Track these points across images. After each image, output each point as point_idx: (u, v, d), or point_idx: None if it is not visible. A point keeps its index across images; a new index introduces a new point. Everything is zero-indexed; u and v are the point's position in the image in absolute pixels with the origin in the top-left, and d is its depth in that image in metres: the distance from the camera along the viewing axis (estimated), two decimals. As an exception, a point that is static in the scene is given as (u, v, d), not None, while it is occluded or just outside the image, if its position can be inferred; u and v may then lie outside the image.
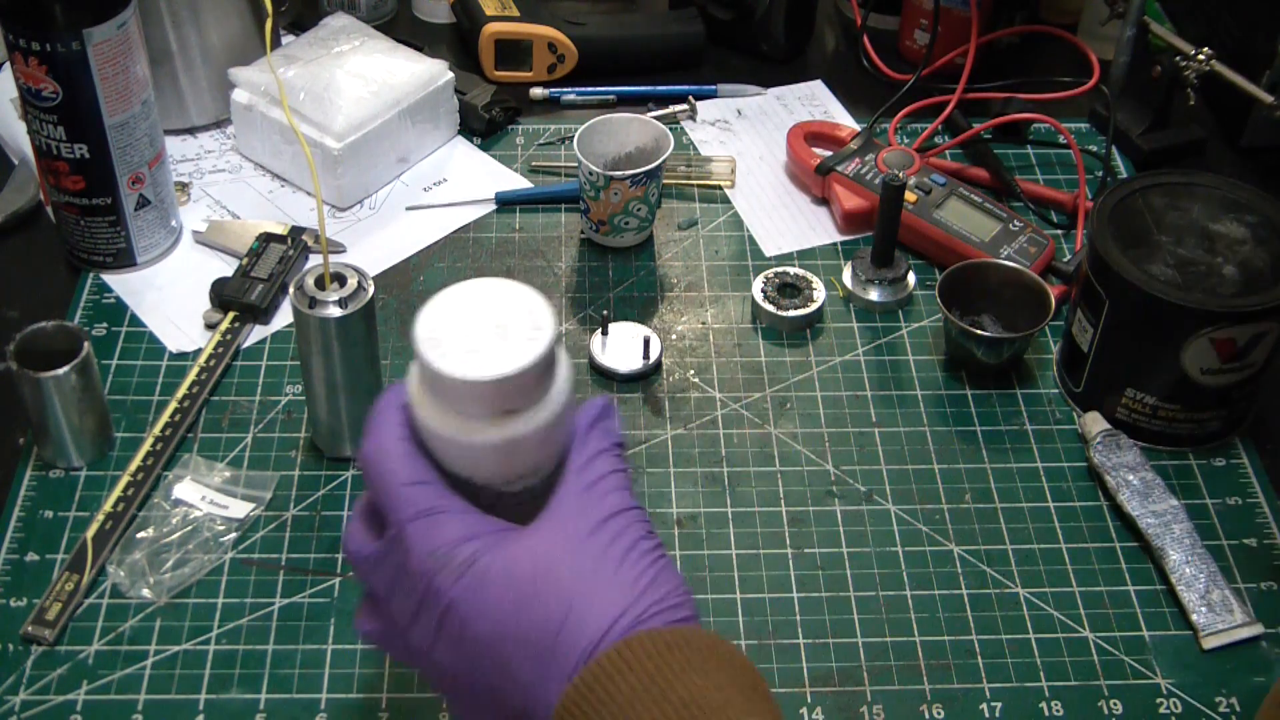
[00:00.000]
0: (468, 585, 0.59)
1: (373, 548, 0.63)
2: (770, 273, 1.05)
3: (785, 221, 1.13)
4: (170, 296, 1.05)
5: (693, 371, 1.00)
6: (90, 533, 0.87)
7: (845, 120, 1.23)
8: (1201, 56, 1.11)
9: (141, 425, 0.95)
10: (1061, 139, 1.19)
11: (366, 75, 1.12)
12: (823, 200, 1.14)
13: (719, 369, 1.01)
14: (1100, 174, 1.16)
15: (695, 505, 0.92)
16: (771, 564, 0.88)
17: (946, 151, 1.18)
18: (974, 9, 1.20)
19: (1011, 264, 1.03)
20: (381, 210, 1.13)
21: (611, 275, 1.08)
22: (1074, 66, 1.23)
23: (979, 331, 0.98)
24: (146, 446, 0.92)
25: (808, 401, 0.98)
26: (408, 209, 1.13)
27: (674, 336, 1.03)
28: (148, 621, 0.84)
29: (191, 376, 0.97)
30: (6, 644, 0.83)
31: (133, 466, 0.91)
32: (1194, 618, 0.85)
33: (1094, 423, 0.94)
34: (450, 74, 1.16)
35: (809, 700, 0.81)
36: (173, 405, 0.95)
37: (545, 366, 0.60)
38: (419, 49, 1.19)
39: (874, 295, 1.05)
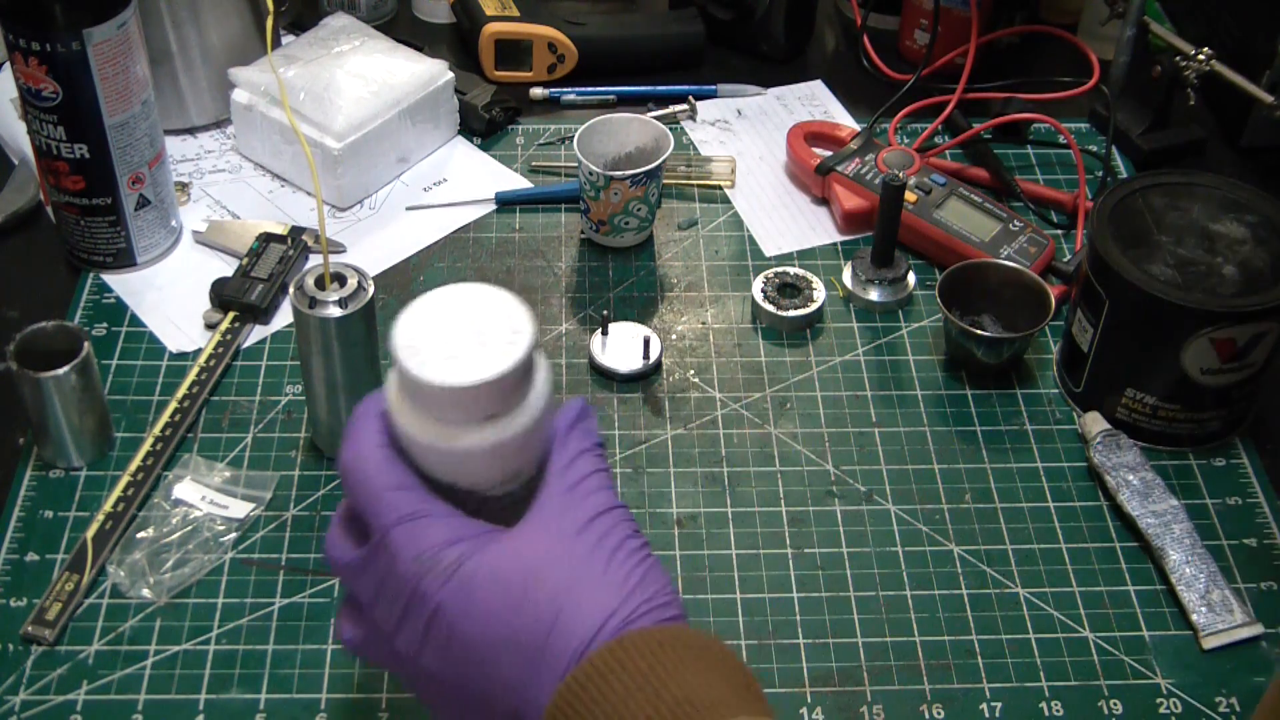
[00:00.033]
0: (455, 588, 0.59)
1: (355, 554, 0.62)
2: (770, 273, 1.05)
3: (785, 221, 1.13)
4: (170, 296, 1.05)
5: (693, 371, 1.00)
6: (90, 533, 0.87)
7: (845, 120, 1.23)
8: (1201, 56, 1.11)
9: (141, 425, 0.95)
10: (1061, 139, 1.19)
11: (366, 75, 1.12)
12: (823, 200, 1.14)
13: (719, 369, 1.01)
14: (1100, 174, 1.16)
15: (695, 505, 0.92)
16: (771, 564, 0.88)
17: (946, 151, 1.18)
18: (974, 9, 1.20)
19: (1011, 264, 1.03)
20: (381, 210, 1.13)
21: (611, 275, 1.08)
22: (1074, 66, 1.23)
23: (979, 331, 0.98)
24: (146, 446, 0.92)
25: (808, 401, 0.98)
26: (408, 209, 1.13)
27: (674, 336, 1.03)
28: (148, 621, 0.84)
29: (191, 376, 0.97)
30: (6, 644, 0.83)
31: (133, 466, 0.91)
32: (1194, 618, 0.85)
33: (1094, 423, 0.94)
34: (450, 74, 1.16)
35: (809, 700, 0.81)
36: (173, 405, 0.95)
37: (524, 371, 0.60)
38: (419, 49, 1.19)
39: (874, 295, 1.05)
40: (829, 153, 1.15)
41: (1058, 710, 0.81)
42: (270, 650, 0.83)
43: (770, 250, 1.10)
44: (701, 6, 1.29)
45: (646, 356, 0.99)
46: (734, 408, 0.98)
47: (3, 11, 0.94)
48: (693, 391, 0.99)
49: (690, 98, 1.24)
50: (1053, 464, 0.95)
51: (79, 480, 0.91)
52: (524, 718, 0.58)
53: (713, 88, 1.25)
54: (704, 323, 1.04)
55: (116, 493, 0.89)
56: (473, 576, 0.59)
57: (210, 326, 1.01)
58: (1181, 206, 0.95)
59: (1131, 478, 0.91)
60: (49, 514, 0.89)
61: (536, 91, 1.25)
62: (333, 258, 1.06)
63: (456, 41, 1.31)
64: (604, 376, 1.00)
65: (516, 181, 1.16)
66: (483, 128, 1.19)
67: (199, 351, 1.00)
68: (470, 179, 1.16)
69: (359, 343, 0.88)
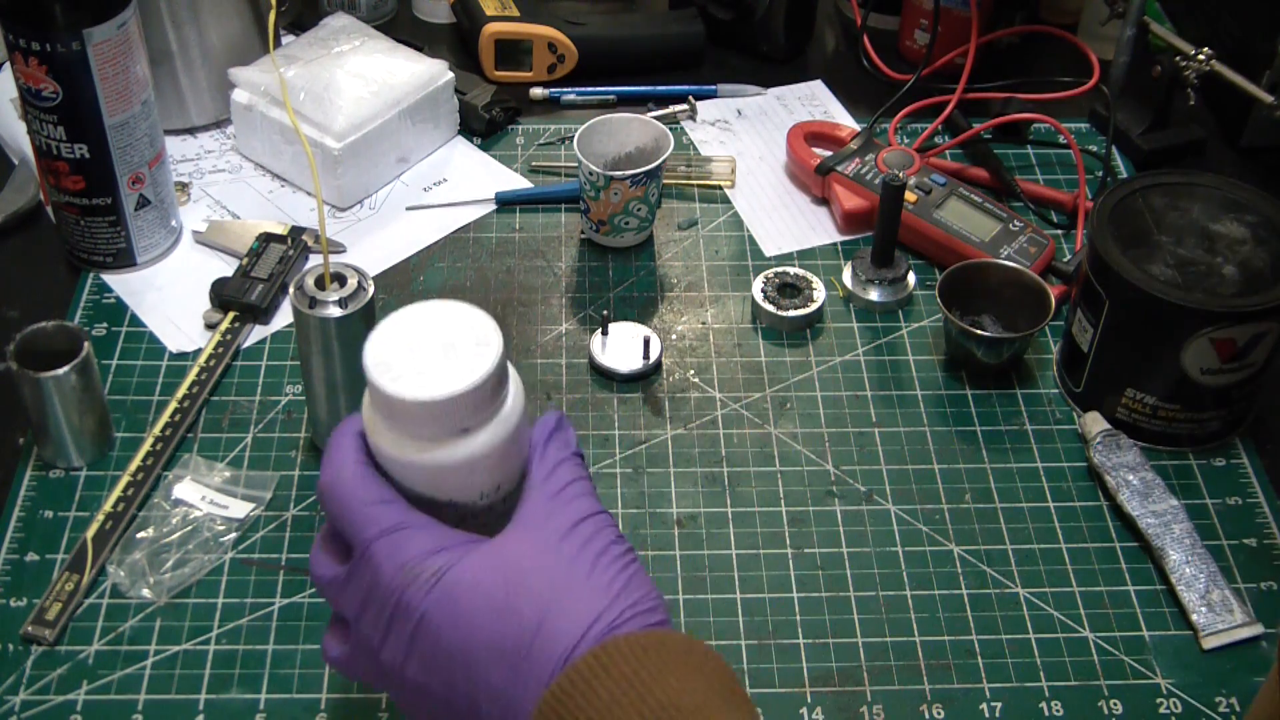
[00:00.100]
0: (439, 596, 0.59)
1: (338, 570, 0.63)
2: (770, 273, 1.05)
3: (785, 221, 1.13)
4: (170, 296, 1.05)
5: (693, 371, 1.00)
6: (90, 533, 0.87)
7: (845, 120, 1.23)
8: (1201, 56, 1.11)
9: (141, 425, 0.95)
10: (1061, 139, 1.19)
11: (366, 75, 1.12)
12: (823, 200, 1.14)
13: (719, 369, 1.01)
14: (1100, 174, 1.16)
15: (695, 505, 0.92)
16: (771, 564, 0.88)
17: (946, 151, 1.18)
18: (974, 9, 1.20)
19: (1011, 264, 1.03)
20: (381, 210, 1.13)
21: (611, 275, 1.08)
22: (1074, 66, 1.23)
23: (979, 331, 0.98)
24: (146, 446, 0.92)
25: (808, 401, 0.98)
26: (408, 209, 1.13)
27: (674, 336, 1.03)
28: (148, 621, 0.84)
29: (191, 376, 0.97)
30: (6, 644, 0.83)
31: (133, 466, 0.91)
32: (1194, 618, 0.85)
33: (1094, 423, 0.94)
34: (450, 74, 1.16)
35: (809, 700, 0.81)
36: (173, 405, 0.95)
37: (495, 383, 0.61)
38: (419, 49, 1.19)
39: (874, 295, 1.05)
40: (829, 153, 1.15)
41: (1058, 710, 0.81)
42: (270, 650, 0.83)
43: (770, 250, 1.10)
44: (701, 6, 1.29)
45: (646, 356, 0.99)
46: (734, 408, 0.98)
47: (3, 11, 0.94)
48: (693, 391, 0.99)
49: (690, 98, 1.24)
50: (1053, 464, 0.95)
51: (79, 480, 0.91)
52: None
53: (713, 88, 1.25)
54: (704, 323, 1.04)
55: (116, 493, 0.89)
56: (456, 584, 0.59)
57: (210, 326, 1.01)
58: (1181, 206, 0.95)
59: (1131, 478, 0.91)
60: (49, 514, 0.89)
61: (536, 91, 1.25)
62: (333, 258, 1.06)
63: (456, 41, 1.31)
64: (604, 376, 1.00)
65: (516, 181, 1.15)
66: (483, 128, 1.19)
67: (199, 351, 1.00)
68: (470, 179, 1.16)
69: (359, 343, 0.87)
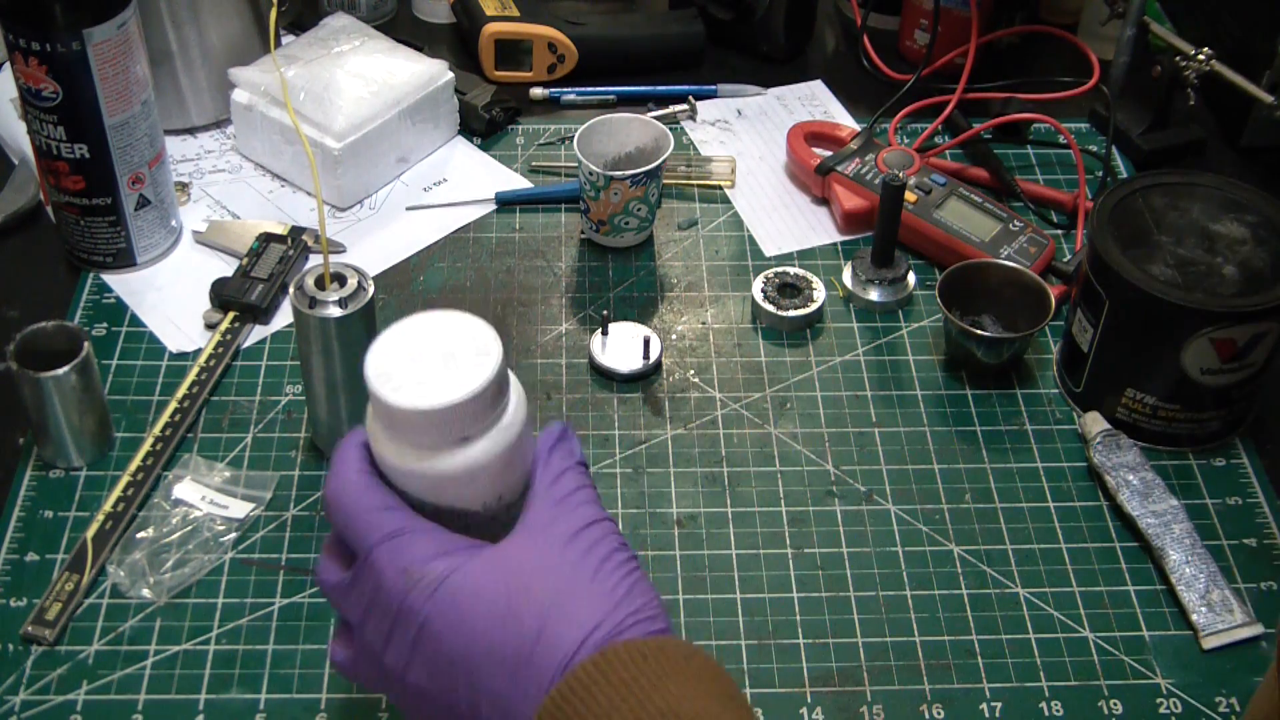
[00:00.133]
0: (441, 601, 0.59)
1: (343, 575, 0.63)
2: (770, 273, 1.05)
3: (785, 221, 1.13)
4: (170, 296, 1.05)
5: (693, 371, 1.00)
6: (90, 533, 0.87)
7: (845, 120, 1.23)
8: (1201, 56, 1.11)
9: (141, 425, 0.95)
10: (1061, 139, 1.19)
11: (366, 75, 1.12)
12: (823, 200, 1.14)
13: (719, 369, 1.01)
14: (1100, 174, 1.16)
15: (695, 505, 0.92)
16: (771, 564, 0.88)
17: (946, 151, 1.18)
18: (974, 9, 1.20)
19: (1011, 264, 1.03)
20: (381, 210, 1.13)
21: (611, 275, 1.08)
22: (1074, 66, 1.23)
23: (979, 331, 0.98)
24: (146, 446, 0.92)
25: (808, 401, 0.98)
26: (408, 209, 1.13)
27: (674, 336, 1.03)
28: (148, 621, 0.84)
29: (191, 376, 0.97)
30: (6, 644, 0.83)
31: (133, 466, 0.91)
32: (1194, 618, 0.85)
33: (1094, 423, 0.94)
34: (450, 74, 1.16)
35: (809, 700, 0.81)
36: (173, 405, 0.95)
37: (495, 392, 0.61)
38: (419, 49, 1.19)
39: (874, 295, 1.05)
40: (829, 153, 1.15)
41: (1058, 710, 0.81)
42: (270, 650, 0.83)
43: (770, 250, 1.10)
44: (701, 6, 1.29)
45: (646, 356, 0.99)
46: (734, 408, 0.98)
47: (3, 11, 0.94)
48: (693, 391, 0.99)
49: (690, 98, 1.24)
50: (1053, 464, 0.95)
51: (79, 480, 0.91)
52: None
53: (713, 88, 1.25)
54: (704, 323, 1.04)
55: (116, 493, 0.89)
56: (458, 589, 0.59)
57: (210, 326, 1.01)
58: (1181, 206, 0.95)
59: (1131, 478, 0.91)
60: (49, 514, 0.89)
61: (536, 91, 1.25)
62: (333, 258, 1.06)
63: (456, 41, 1.31)
64: (604, 376, 1.00)
65: (516, 181, 1.15)
66: (483, 128, 1.19)
67: (199, 351, 1.00)
68: (470, 179, 1.16)
69: (359, 343, 0.88)
